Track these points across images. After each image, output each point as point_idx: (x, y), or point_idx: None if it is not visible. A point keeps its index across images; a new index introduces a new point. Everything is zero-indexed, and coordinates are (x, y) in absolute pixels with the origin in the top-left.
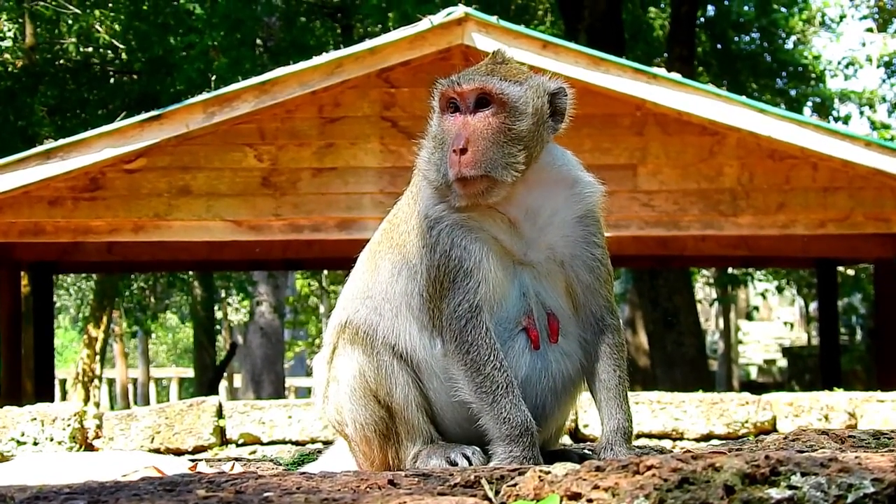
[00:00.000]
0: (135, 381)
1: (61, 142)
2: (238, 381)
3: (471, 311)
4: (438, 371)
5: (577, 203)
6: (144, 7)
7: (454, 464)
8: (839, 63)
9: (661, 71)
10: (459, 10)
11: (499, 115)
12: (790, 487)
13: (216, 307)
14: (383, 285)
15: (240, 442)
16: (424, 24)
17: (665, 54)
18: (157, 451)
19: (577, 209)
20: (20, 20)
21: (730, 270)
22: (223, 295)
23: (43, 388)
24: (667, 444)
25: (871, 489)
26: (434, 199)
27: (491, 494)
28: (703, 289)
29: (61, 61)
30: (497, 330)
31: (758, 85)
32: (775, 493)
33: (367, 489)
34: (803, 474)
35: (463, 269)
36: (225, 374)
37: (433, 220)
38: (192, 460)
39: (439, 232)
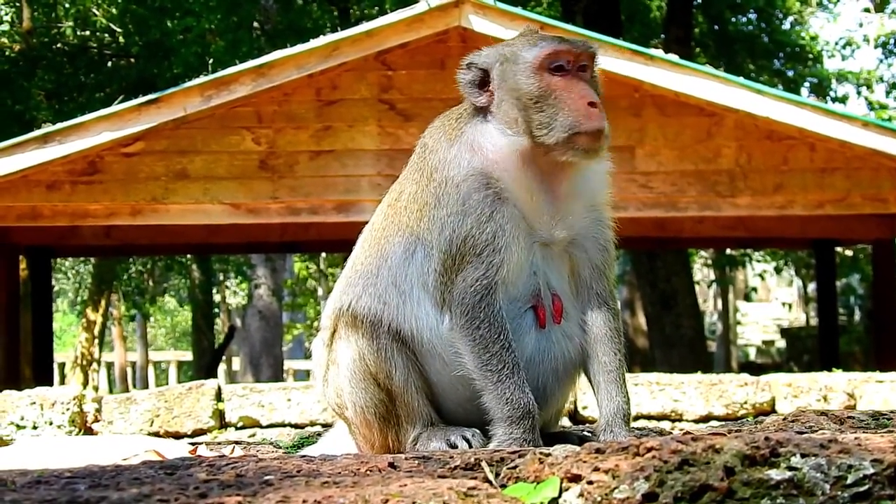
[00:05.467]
0: (133, 364)
1: (59, 126)
2: (237, 364)
3: (487, 288)
4: (442, 352)
5: (595, 184)
6: None
7: (454, 446)
8: (836, 43)
9: (659, 52)
10: None
11: (594, 80)
12: (790, 468)
13: (214, 290)
14: (392, 268)
15: (239, 425)
16: (421, 6)
17: (662, 36)
18: (156, 434)
19: (594, 190)
20: (17, 4)
21: (728, 251)
22: (221, 278)
23: (42, 372)
24: (666, 425)
25: (871, 470)
26: (477, 164)
27: (491, 477)
28: (702, 270)
29: (58, 45)
30: (507, 308)
31: (755, 66)
32: (775, 474)
33: (368, 472)
34: (803, 455)
35: (492, 244)
36: (223, 358)
37: (473, 188)
38: (192, 444)
39: (480, 199)
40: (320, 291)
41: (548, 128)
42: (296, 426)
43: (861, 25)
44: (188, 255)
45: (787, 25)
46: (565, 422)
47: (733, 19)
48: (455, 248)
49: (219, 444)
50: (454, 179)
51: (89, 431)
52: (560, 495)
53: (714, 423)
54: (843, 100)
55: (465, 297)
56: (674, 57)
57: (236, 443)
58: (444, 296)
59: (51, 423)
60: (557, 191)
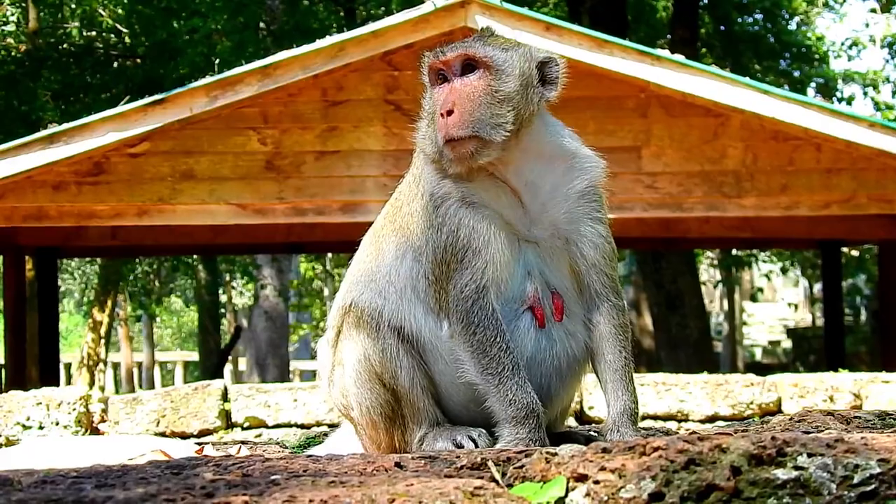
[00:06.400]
0: (140, 364)
1: (64, 126)
2: (243, 364)
3: (477, 291)
4: (444, 353)
5: (578, 177)
6: None
7: (460, 446)
8: (843, 44)
9: (665, 53)
10: None
11: (484, 78)
12: (796, 468)
13: (220, 291)
14: (387, 268)
15: (245, 425)
16: (427, 6)
17: (668, 36)
18: (162, 434)
19: (578, 183)
20: (23, 4)
21: (734, 252)
22: (227, 278)
23: (48, 373)
24: (672, 425)
25: (878, 470)
26: (437, 177)
27: (497, 476)
28: (708, 270)
29: (64, 46)
30: (502, 310)
31: (761, 66)
32: (782, 473)
33: (374, 471)
34: (809, 455)
35: (471, 249)
36: (230, 358)
37: (438, 199)
38: (199, 444)
39: (446, 211)
40: (326, 292)
41: (430, 143)
42: (302, 426)
43: (867, 26)
44: (194, 256)
45: (793, 26)
46: (572, 422)
47: (739, 20)
48: (438, 258)
49: (225, 444)
50: (425, 193)
51: (95, 431)
52: (566, 495)
53: (720, 423)
54: (850, 100)
55: (458, 304)
56: (680, 57)
57: (242, 443)
58: (440, 304)
59: (57, 424)
60: (513, 186)
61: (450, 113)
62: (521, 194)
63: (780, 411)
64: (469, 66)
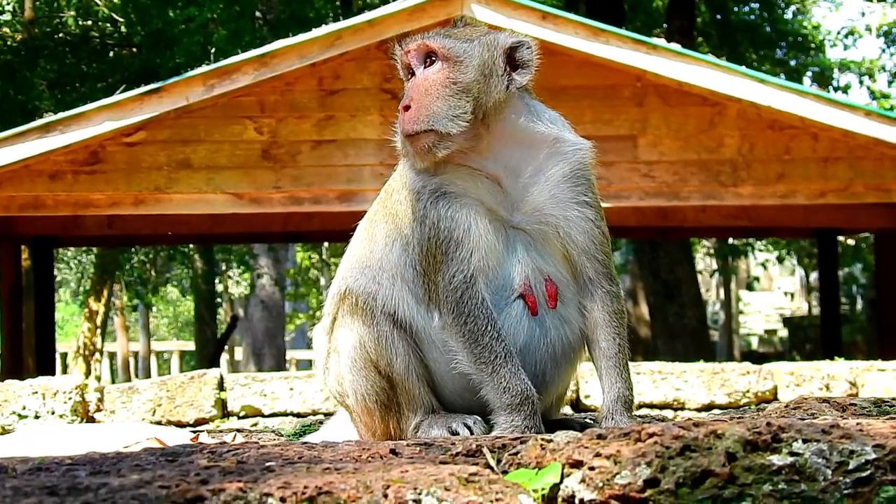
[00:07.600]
0: (136, 354)
1: (61, 115)
2: (239, 353)
3: (465, 281)
4: (437, 341)
5: (562, 161)
6: None
7: (456, 433)
8: (839, 33)
9: (662, 42)
10: None
11: (443, 70)
12: (792, 454)
13: (217, 280)
14: (379, 254)
15: (241, 414)
16: None
17: (664, 25)
18: (158, 423)
19: (562, 167)
20: None
21: (730, 241)
22: (224, 268)
23: (44, 362)
24: (668, 414)
25: (873, 455)
26: (413, 171)
27: (493, 463)
28: (704, 259)
29: (60, 35)
30: (493, 298)
31: (757, 55)
32: (777, 459)
33: (369, 458)
34: (805, 441)
35: (454, 239)
36: (226, 347)
37: (417, 193)
38: (194, 432)
39: (425, 204)
40: (323, 281)
41: (398, 139)
42: (298, 415)
43: (863, 15)
44: (191, 245)
45: (789, 15)
46: (568, 410)
47: (735, 9)
48: (424, 251)
49: (220, 432)
50: (410, 183)
51: (91, 421)
52: (561, 481)
53: (716, 411)
54: (846, 89)
55: (448, 294)
56: (676, 46)
57: (238, 431)
58: (430, 295)
59: (53, 413)
60: (491, 173)
61: (407, 108)
62: (502, 180)
63: (776, 399)
64: (430, 58)
